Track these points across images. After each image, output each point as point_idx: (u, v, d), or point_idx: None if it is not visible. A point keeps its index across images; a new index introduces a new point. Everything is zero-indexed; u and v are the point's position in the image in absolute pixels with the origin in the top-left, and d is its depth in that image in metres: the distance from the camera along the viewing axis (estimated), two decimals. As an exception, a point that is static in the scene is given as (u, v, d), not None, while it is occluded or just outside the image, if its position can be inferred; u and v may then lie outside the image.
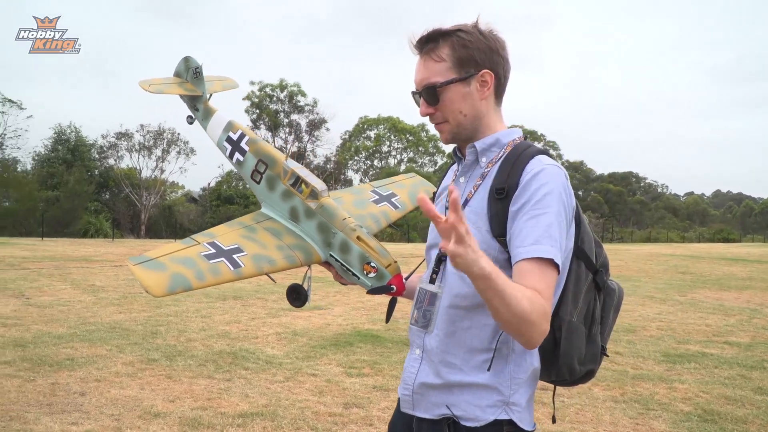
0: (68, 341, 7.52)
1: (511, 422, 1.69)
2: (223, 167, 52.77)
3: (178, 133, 47.77)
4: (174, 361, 6.70)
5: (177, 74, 3.19)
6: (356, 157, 63.39)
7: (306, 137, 55.78)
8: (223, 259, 2.19)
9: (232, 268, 2.18)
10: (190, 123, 3.17)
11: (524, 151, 1.73)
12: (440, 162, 64.02)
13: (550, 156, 1.74)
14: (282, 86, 54.28)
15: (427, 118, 1.83)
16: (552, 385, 1.95)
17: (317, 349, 7.50)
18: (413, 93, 1.83)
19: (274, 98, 54.49)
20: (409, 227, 44.51)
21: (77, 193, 39.49)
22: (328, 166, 56.56)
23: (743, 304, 13.13)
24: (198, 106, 3.09)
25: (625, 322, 9.85)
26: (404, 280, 2.22)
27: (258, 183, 2.70)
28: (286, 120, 54.90)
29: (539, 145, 1.80)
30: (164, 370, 6.34)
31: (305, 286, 2.52)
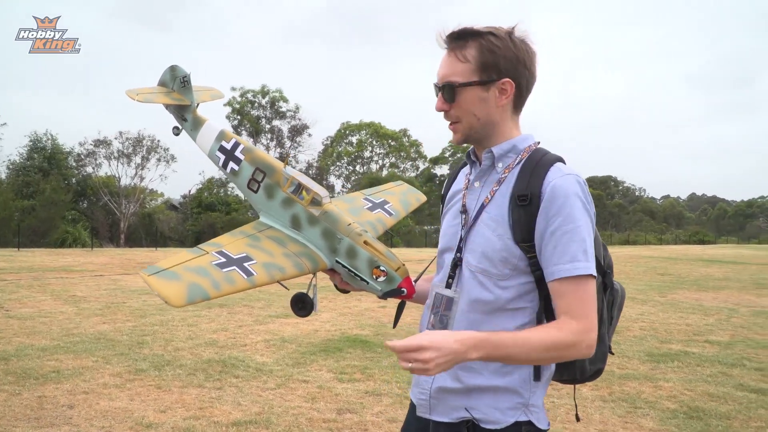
0: (53, 353, 7.43)
1: (530, 423, 1.73)
2: (204, 174, 52.37)
3: (158, 140, 47.30)
4: (163, 371, 6.66)
5: (162, 83, 3.12)
6: (338, 163, 63.34)
7: (288, 143, 55.60)
8: (235, 267, 2.18)
9: (245, 276, 2.16)
10: (177, 134, 3.09)
11: (542, 157, 1.75)
12: (422, 167, 64.23)
13: (564, 163, 1.77)
14: (264, 92, 54.09)
15: (442, 114, 1.84)
16: (567, 385, 2.00)
17: (307, 356, 7.50)
18: (435, 85, 1.83)
19: (256, 104, 54.30)
20: (392, 232, 44.55)
21: (54, 202, 38.86)
22: (310, 171, 56.38)
23: (721, 304, 13.36)
24: (186, 116, 3.03)
25: (608, 323, 9.97)
26: (414, 283, 2.22)
27: (255, 192, 2.65)
28: (268, 126, 54.71)
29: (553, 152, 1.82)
30: (153, 381, 6.30)
31: (310, 294, 2.50)
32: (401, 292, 2.15)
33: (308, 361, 7.27)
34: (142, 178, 48.12)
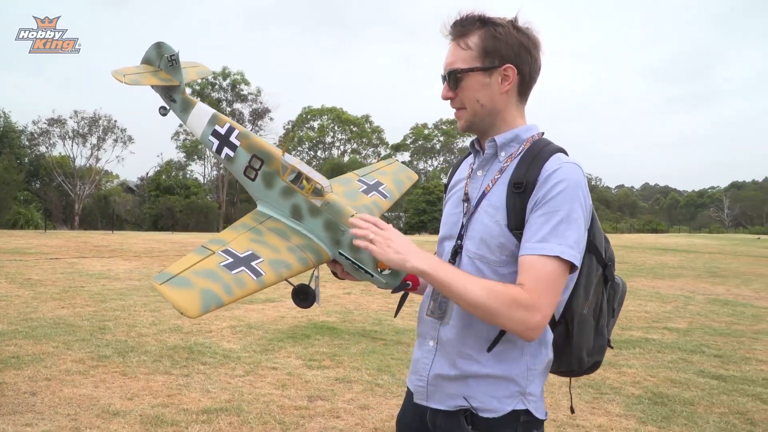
0: (10, 338, 7.21)
1: (527, 412, 1.74)
2: (162, 156, 51.59)
3: (115, 120, 46.32)
4: (127, 358, 6.53)
5: (147, 61, 2.95)
6: (300, 148, 62.88)
7: (249, 126, 54.91)
8: (243, 268, 2.09)
9: (254, 278, 2.09)
10: (164, 114, 2.97)
11: (544, 147, 1.77)
12: (383, 153, 64.17)
13: (566, 154, 1.78)
14: (225, 74, 53.26)
15: (447, 103, 1.86)
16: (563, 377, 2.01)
17: (274, 342, 7.44)
18: (441, 75, 1.85)
19: (216, 86, 53.41)
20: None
21: (6, 181, 37.71)
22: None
23: (677, 292, 13.73)
24: (175, 97, 2.89)
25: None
26: None
27: (253, 180, 2.55)
28: (229, 109, 53.91)
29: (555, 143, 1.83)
30: (118, 367, 6.17)
31: (312, 285, 2.44)
32: (407, 285, 2.12)
33: (276, 347, 7.21)
34: (97, 159, 47.20)
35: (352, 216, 1.95)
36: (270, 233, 2.34)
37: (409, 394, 1.94)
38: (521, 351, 1.74)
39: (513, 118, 1.83)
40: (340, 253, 2.26)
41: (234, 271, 2.07)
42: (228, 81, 53.38)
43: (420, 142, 67.43)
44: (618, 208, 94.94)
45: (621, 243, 35.00)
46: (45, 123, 45.23)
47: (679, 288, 14.53)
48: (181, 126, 51.61)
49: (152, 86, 2.88)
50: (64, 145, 46.40)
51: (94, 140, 46.27)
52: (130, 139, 47.52)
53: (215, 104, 52.44)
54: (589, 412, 5.28)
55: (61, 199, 43.97)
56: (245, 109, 54.59)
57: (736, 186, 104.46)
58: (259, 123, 55.10)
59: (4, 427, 4.56)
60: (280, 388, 5.66)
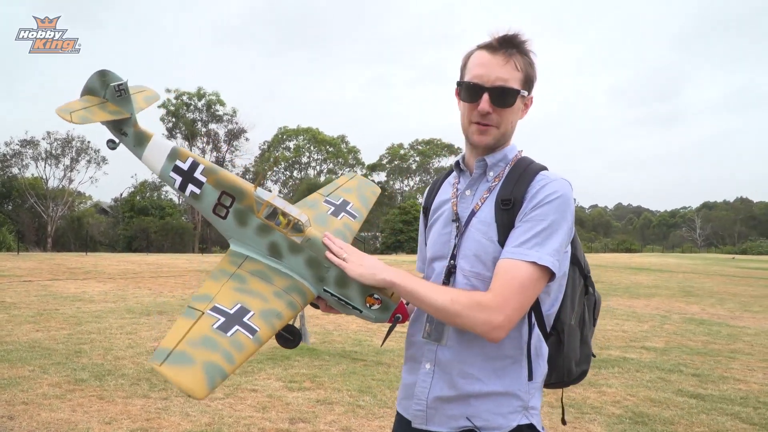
0: (-16, 362, 7.07)
1: (531, 426, 1.76)
2: (137, 177, 50.98)
3: (89, 142, 45.80)
4: (104, 381, 6.42)
5: (90, 92, 2.58)
6: (276, 168, 62.71)
7: (224, 147, 54.70)
8: (237, 327, 1.96)
9: (251, 336, 1.94)
10: (113, 148, 2.58)
11: (528, 165, 1.83)
12: (360, 173, 64.11)
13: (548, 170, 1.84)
14: (200, 95, 53.05)
15: (473, 114, 1.83)
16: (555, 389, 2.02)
17: (254, 364, 7.36)
18: (470, 84, 1.81)
19: (192, 107, 53.17)
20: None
21: (-24, 203, 37.16)
22: (247, 176, 55.67)
23: (653, 311, 13.88)
24: (126, 131, 2.54)
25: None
26: (406, 304, 2.12)
27: (224, 218, 2.34)
28: (204, 129, 53.66)
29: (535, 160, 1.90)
30: (95, 391, 6.07)
31: (298, 325, 2.28)
32: (398, 319, 2.06)
33: (255, 369, 7.14)
34: (71, 181, 46.54)
35: (324, 234, 2.02)
36: (252, 278, 2.17)
37: (401, 421, 1.93)
38: (520, 365, 1.76)
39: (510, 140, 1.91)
40: (325, 290, 2.13)
41: (229, 333, 1.92)
42: (203, 101, 53.20)
43: (396, 162, 67.69)
44: (592, 227, 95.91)
45: (596, 262, 35.35)
46: (17, 144, 44.64)
47: (654, 307, 14.69)
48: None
49: (103, 122, 2.54)
50: (37, 166, 45.74)
51: (67, 161, 45.76)
52: (104, 160, 47.00)
53: (190, 125, 52.22)
54: (571, 432, 5.31)
55: (33, 221, 43.26)
56: (221, 130, 54.43)
57: (707, 206, 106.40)
58: (235, 143, 54.93)
59: (-22, 453, 4.46)
60: (261, 411, 5.60)
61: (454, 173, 1.99)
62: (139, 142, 2.52)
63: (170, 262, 26.28)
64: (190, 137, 52.55)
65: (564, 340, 1.83)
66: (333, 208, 2.74)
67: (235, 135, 54.68)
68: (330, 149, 63.71)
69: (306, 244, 2.18)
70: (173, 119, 52.37)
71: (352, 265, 1.85)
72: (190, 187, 2.41)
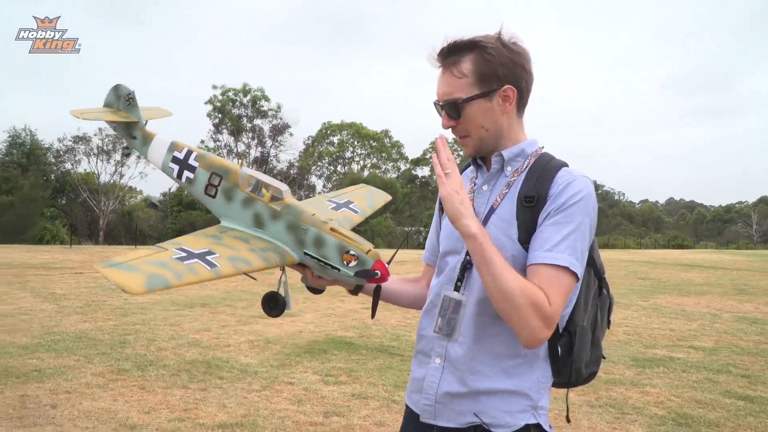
0: (33, 352, 7.29)
1: (538, 426, 1.73)
2: (185, 173, 51.87)
3: (139, 138, 46.77)
4: (146, 371, 6.55)
5: (108, 105, 3.06)
6: (319, 163, 63.15)
7: (269, 142, 55.31)
8: (197, 260, 2.10)
9: (208, 268, 2.08)
10: (127, 155, 3.15)
11: (550, 161, 1.77)
12: (403, 168, 64.21)
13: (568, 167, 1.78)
14: (245, 91, 53.69)
15: (449, 130, 1.82)
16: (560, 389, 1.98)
17: (292, 357, 7.42)
18: (435, 103, 1.82)
19: (237, 103, 53.88)
20: (373, 233, 44.50)
21: (32, 198, 38.38)
22: (291, 171, 56.20)
23: (703, 309, 13.47)
24: (135, 134, 2.97)
25: (593, 327, 10.02)
26: (387, 265, 2.11)
27: (214, 197, 2.56)
28: (249, 125, 54.33)
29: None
30: (136, 381, 6.20)
31: (281, 292, 2.43)
32: (375, 274, 2.04)
33: (293, 362, 7.19)
34: (121, 176, 47.65)
35: (440, 136, 1.79)
36: (231, 239, 2.35)
37: (410, 414, 1.90)
38: (531, 365, 1.73)
39: (516, 134, 1.82)
40: (305, 254, 2.23)
41: (187, 262, 2.06)
42: (248, 97, 53.83)
43: (441, 157, 67.25)
44: (642, 223, 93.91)
45: (645, 259, 34.58)
46: (70, 140, 45.94)
47: (705, 305, 14.26)
48: (202, 142, 52.09)
49: (112, 123, 2.99)
50: (89, 161, 46.96)
51: (117, 157, 46.84)
52: (154, 155, 47.99)
53: (236, 120, 52.89)
54: (611, 432, 5.18)
55: (86, 215, 44.50)
56: (265, 125, 54.97)
57: (765, 201, 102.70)
58: (279, 138, 55.43)
59: (22, 440, 4.59)
60: (296, 404, 5.63)
61: (472, 167, 1.94)
62: (144, 141, 2.92)
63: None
64: (236, 133, 53.29)
65: (575, 342, 1.78)
66: (334, 205, 2.89)
67: (279, 130, 55.15)
68: (373, 144, 63.77)
69: (285, 210, 2.31)
70: (219, 115, 53.12)
71: (448, 188, 1.63)
72: (186, 174, 2.70)
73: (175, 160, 2.75)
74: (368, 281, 2.07)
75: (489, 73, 1.72)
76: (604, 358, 1.96)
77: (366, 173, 59.79)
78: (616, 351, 8.30)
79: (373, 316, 2.21)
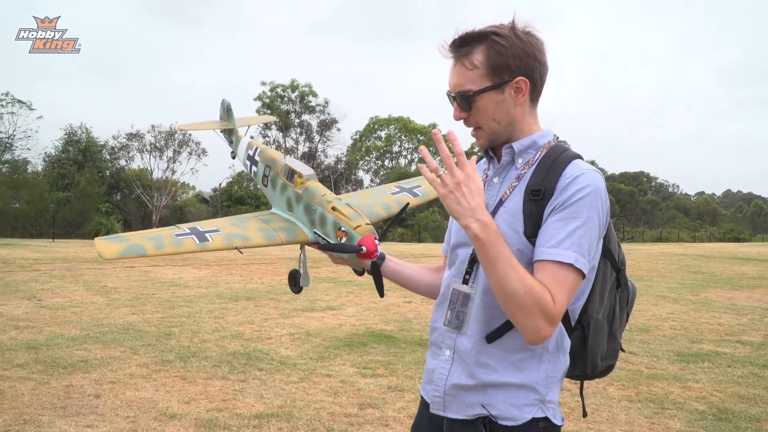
0: (81, 343, 7.56)
1: (546, 419, 1.72)
2: (234, 168, 52.80)
3: (190, 134, 47.74)
4: (188, 363, 6.73)
5: (220, 116, 3.67)
6: (367, 158, 63.35)
7: (317, 137, 55.76)
8: (191, 236, 2.27)
9: (197, 242, 2.26)
10: (233, 158, 3.54)
11: (561, 154, 1.73)
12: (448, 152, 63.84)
13: (583, 160, 1.75)
14: (293, 87, 54.25)
15: (461, 122, 1.82)
16: (576, 380, 1.97)
17: (331, 350, 7.51)
18: (448, 94, 1.80)
19: (285, 99, 54.49)
20: (420, 227, 44.45)
21: (88, 194, 39.59)
22: (339, 166, 56.57)
23: (755, 303, 13.06)
24: (232, 138, 3.49)
25: (638, 321, 9.83)
26: (376, 241, 2.13)
27: (266, 186, 2.83)
28: (297, 120, 54.88)
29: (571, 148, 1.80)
30: (179, 372, 6.37)
31: (300, 270, 2.54)
32: (359, 249, 2.06)
33: (332, 355, 7.28)
34: (173, 172, 48.68)
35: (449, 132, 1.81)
36: (254, 220, 2.55)
37: (424, 404, 1.92)
38: (540, 358, 1.72)
39: (529, 126, 1.79)
40: (315, 233, 2.34)
41: (180, 237, 2.23)
42: (296, 93, 54.36)
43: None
44: (698, 216, 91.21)
45: (699, 252, 33.67)
46: (124, 137, 47.19)
47: (757, 300, 13.81)
48: (252, 138, 52.84)
49: (219, 130, 3.61)
50: (142, 158, 48.18)
51: (170, 153, 47.94)
52: (204, 152, 48.89)
53: (284, 116, 53.49)
54: (648, 428, 5.09)
55: (139, 210, 45.74)
56: (313, 120, 55.44)
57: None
58: (327, 134, 55.83)
59: (66, 428, 4.78)
60: (332, 395, 5.70)
61: (485, 159, 1.94)
62: (236, 143, 3.45)
63: (263, 250, 27.11)
64: (284, 128, 53.90)
65: (588, 335, 1.76)
66: (398, 190, 2.96)
67: (327, 125, 55.56)
68: (421, 138, 63.64)
69: (304, 193, 2.49)
70: (268, 111, 53.79)
71: (444, 188, 1.60)
72: (253, 168, 3.04)
73: (249, 157, 3.11)
74: (357, 256, 2.12)
75: (500, 64, 1.69)
76: (623, 350, 1.93)
77: (413, 167, 59.68)
78: (660, 346, 8.13)
79: (381, 294, 2.25)
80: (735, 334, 9.35)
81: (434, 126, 63.68)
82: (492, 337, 1.71)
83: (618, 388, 6.11)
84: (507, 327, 1.70)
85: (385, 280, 2.25)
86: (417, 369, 6.68)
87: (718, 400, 5.81)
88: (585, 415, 2.22)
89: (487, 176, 1.87)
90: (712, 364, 7.30)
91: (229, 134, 3.55)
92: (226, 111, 3.58)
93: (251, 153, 3.07)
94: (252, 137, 3.49)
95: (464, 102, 1.75)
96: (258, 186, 2.97)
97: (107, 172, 46.48)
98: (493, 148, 1.86)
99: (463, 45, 1.73)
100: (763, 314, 11.50)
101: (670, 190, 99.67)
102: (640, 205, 79.29)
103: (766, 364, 7.30)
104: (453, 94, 1.77)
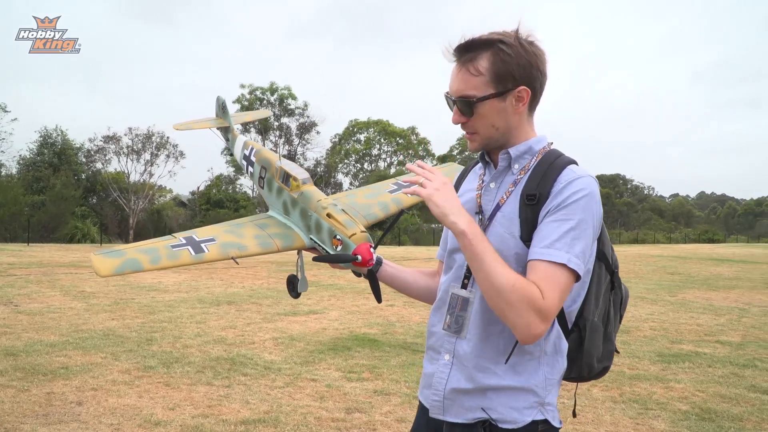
0: (61, 349, 7.44)
1: (546, 422, 1.74)
2: (213, 171, 52.54)
3: (167, 137, 47.24)
4: (171, 368, 6.66)
5: (216, 114, 3.67)
6: (346, 161, 63.31)
7: (296, 140, 55.56)
8: (187, 247, 2.23)
9: (193, 254, 2.21)
10: (231, 155, 3.62)
11: (556, 159, 1.75)
12: (430, 165, 64.07)
13: (577, 165, 1.77)
14: (272, 89, 54.03)
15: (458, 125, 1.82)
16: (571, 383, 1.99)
17: (315, 354, 7.48)
18: (447, 97, 1.80)
19: (265, 101, 54.22)
20: (400, 231, 44.49)
21: (64, 197, 39.01)
22: (318, 169, 56.39)
23: (732, 304, 13.27)
24: (228, 136, 3.51)
25: (618, 323, 9.93)
26: (372, 250, 2.13)
27: (263, 188, 2.81)
28: (276, 123, 54.64)
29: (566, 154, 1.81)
30: (162, 378, 6.30)
31: (298, 275, 2.53)
32: (354, 258, 2.05)
33: (316, 359, 7.25)
34: (151, 175, 48.11)
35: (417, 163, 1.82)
36: (250, 225, 2.52)
37: (422, 409, 1.93)
38: (538, 361, 1.73)
39: (525, 132, 1.81)
40: (310, 239, 2.33)
41: (175, 249, 2.19)
42: (275, 96, 54.15)
43: (467, 153, 67.14)
44: (673, 217, 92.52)
45: (674, 253, 34.12)
46: (101, 140, 46.52)
47: (734, 300, 14.04)
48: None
49: (214, 128, 3.62)
50: (119, 161, 47.52)
51: (147, 156, 47.37)
52: (182, 154, 48.34)
53: (264, 119, 53.24)
54: (633, 428, 5.13)
55: (116, 214, 45.10)
56: (292, 123, 55.23)
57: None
58: (307, 137, 55.66)
59: (50, 435, 4.69)
60: (319, 400, 5.68)
61: (480, 164, 1.95)
62: (232, 141, 3.45)
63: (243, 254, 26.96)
64: (263, 131, 53.63)
65: (585, 337, 1.78)
66: (396, 187, 2.96)
67: (306, 128, 55.38)
68: (400, 141, 63.78)
69: (300, 198, 2.48)
70: (241, 132, 53.51)
71: (427, 191, 1.65)
72: (249, 168, 3.03)
73: (245, 157, 3.10)
74: (354, 264, 2.11)
75: (505, 73, 1.70)
76: (617, 352, 1.95)
77: (393, 171, 59.77)
78: (641, 347, 8.22)
79: (378, 300, 2.26)
80: (714, 334, 9.49)
81: (413, 130, 63.95)
82: (508, 358, 1.72)
83: (602, 389, 6.16)
84: (516, 344, 1.71)
85: (381, 285, 2.25)
86: (402, 372, 6.68)
87: (700, 400, 5.88)
88: (575, 415, 2.25)
89: (483, 181, 1.88)
90: (693, 364, 7.40)
91: (225, 132, 3.56)
92: (222, 108, 3.57)
93: (247, 153, 3.06)
94: (243, 132, 3.55)
95: (466, 107, 1.75)
96: (254, 186, 3.07)
97: (83, 175, 45.84)
98: (489, 154, 1.87)
99: (468, 50, 1.73)
100: (740, 314, 11.69)
101: (645, 192, 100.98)
102: (616, 207, 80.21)
103: (746, 364, 7.42)
104: (454, 98, 1.77)
